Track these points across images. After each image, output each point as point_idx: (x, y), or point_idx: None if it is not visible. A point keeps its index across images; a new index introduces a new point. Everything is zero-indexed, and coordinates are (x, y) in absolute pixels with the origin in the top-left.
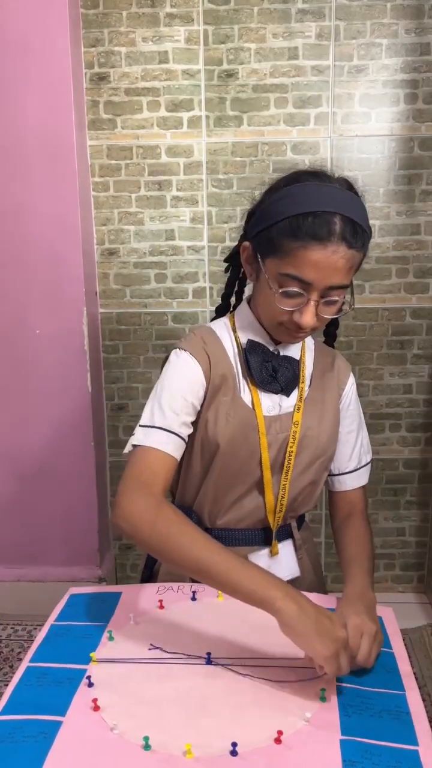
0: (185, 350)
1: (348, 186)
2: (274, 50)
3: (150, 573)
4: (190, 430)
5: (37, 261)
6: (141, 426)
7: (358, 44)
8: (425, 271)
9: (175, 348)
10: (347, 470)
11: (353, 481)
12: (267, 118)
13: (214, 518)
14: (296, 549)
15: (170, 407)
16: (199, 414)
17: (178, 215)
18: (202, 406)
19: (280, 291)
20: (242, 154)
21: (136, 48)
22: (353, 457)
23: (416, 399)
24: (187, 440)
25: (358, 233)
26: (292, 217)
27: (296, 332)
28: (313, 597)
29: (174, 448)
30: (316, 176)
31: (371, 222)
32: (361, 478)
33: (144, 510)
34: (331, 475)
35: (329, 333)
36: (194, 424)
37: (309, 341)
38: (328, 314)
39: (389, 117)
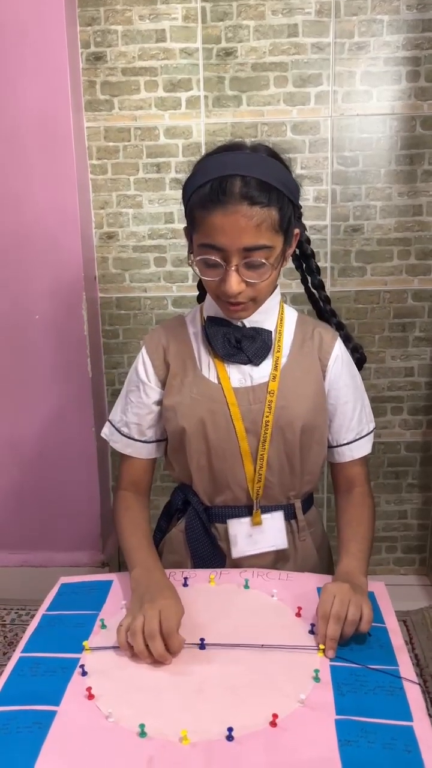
0: (143, 346)
1: (265, 151)
2: (274, 27)
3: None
4: (159, 426)
5: (34, 245)
6: (110, 424)
7: (359, 21)
8: (427, 252)
9: (143, 339)
10: (345, 441)
11: (352, 452)
12: (266, 98)
13: (211, 497)
14: (298, 530)
15: (134, 414)
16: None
17: (177, 198)
18: (164, 393)
19: (197, 260)
20: (241, 135)
21: (132, 26)
22: (351, 427)
23: (418, 382)
24: (160, 437)
25: (263, 190)
26: (197, 188)
27: (230, 304)
28: (313, 578)
29: (148, 452)
30: (225, 148)
31: (372, 203)
32: (361, 449)
33: (117, 508)
34: (329, 447)
35: (317, 305)
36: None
37: (289, 312)
38: (256, 279)
39: (391, 95)
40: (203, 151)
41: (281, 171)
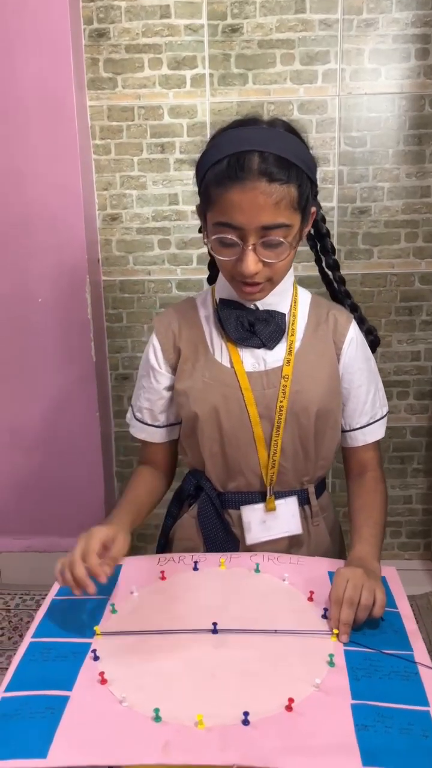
0: (153, 331)
1: (282, 126)
2: (280, 3)
3: (165, 540)
4: (172, 410)
5: (37, 227)
6: (131, 407)
7: None
8: None
9: (153, 321)
10: (358, 426)
11: (365, 436)
12: (273, 76)
13: (224, 483)
14: (312, 516)
15: (146, 399)
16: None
17: (182, 179)
18: (175, 376)
19: (212, 239)
20: (246, 114)
21: (136, 2)
22: (365, 411)
23: (425, 366)
24: (174, 421)
25: (282, 166)
26: (213, 164)
27: (246, 285)
28: (325, 562)
29: (161, 437)
30: (241, 123)
31: (379, 184)
32: (374, 434)
33: (135, 471)
34: (342, 431)
35: (331, 287)
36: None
37: (303, 294)
38: (273, 258)
39: (400, 74)
40: (208, 131)
41: (299, 146)
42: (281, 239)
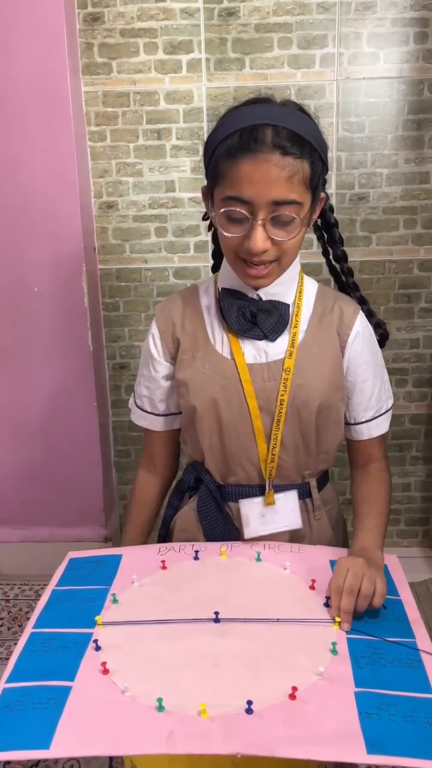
0: (154, 320)
1: (294, 106)
2: None
3: (166, 531)
4: (172, 400)
5: (32, 216)
6: (133, 393)
7: None
8: None
9: (155, 309)
10: (363, 420)
11: (370, 430)
12: (270, 60)
13: (224, 475)
14: (314, 509)
15: (146, 387)
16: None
17: (179, 165)
18: (175, 366)
19: (221, 212)
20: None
21: None
22: (370, 405)
23: (423, 354)
24: (174, 410)
25: (295, 141)
26: (225, 138)
27: (252, 264)
28: (326, 551)
29: (162, 425)
30: (253, 101)
31: (378, 170)
32: (379, 427)
33: (135, 483)
34: (346, 424)
35: (338, 279)
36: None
37: (309, 284)
38: (283, 236)
39: (398, 58)
40: (205, 117)
41: (312, 126)
42: (293, 215)
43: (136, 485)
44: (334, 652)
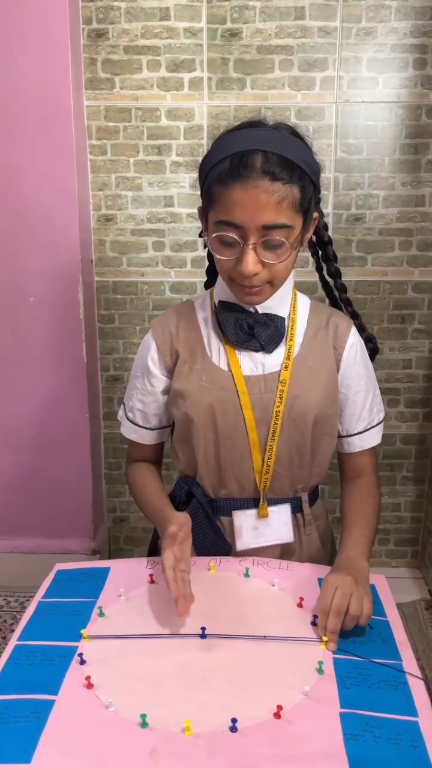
0: (151, 332)
1: (286, 129)
2: (280, 9)
3: (155, 545)
4: (164, 414)
5: (31, 227)
6: (123, 405)
7: (366, 5)
8: (429, 243)
9: (151, 323)
10: (356, 431)
11: (362, 442)
12: (271, 81)
13: (216, 489)
14: (305, 524)
15: (139, 400)
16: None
17: (178, 181)
18: (172, 379)
19: (214, 236)
20: (245, 118)
21: (136, 3)
22: (362, 417)
23: (416, 374)
24: (165, 423)
25: (285, 166)
26: (217, 163)
27: (245, 287)
28: (314, 568)
29: (152, 438)
30: (247, 125)
31: (375, 192)
32: (371, 439)
33: (130, 476)
34: (339, 436)
35: (331, 294)
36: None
37: (302, 299)
38: (273, 259)
39: (397, 83)
40: (205, 135)
41: (303, 149)
42: (283, 239)
43: (135, 474)
44: (320, 671)
